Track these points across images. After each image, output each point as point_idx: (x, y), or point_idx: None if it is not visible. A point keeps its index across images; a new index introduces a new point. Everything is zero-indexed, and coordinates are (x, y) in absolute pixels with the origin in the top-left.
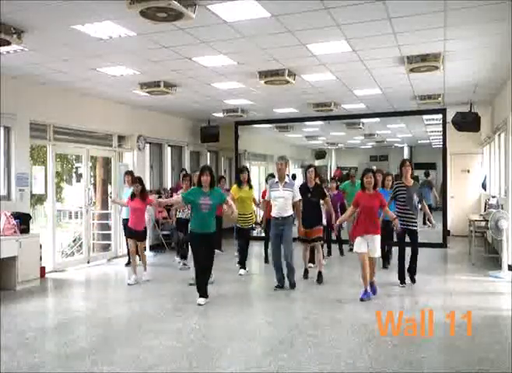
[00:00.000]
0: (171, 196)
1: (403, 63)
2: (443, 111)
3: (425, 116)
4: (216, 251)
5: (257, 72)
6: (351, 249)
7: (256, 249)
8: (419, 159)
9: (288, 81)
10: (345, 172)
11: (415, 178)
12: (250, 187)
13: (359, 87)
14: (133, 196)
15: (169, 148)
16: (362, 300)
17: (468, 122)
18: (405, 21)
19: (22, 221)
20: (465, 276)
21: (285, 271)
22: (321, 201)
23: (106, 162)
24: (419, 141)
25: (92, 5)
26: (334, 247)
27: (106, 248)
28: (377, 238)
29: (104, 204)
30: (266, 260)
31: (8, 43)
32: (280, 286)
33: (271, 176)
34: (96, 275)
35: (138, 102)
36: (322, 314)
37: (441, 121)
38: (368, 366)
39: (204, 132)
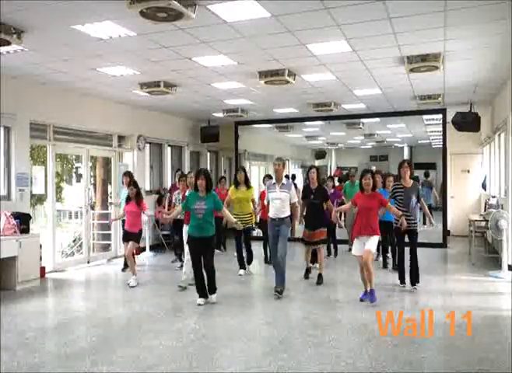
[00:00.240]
0: (170, 196)
1: (403, 63)
2: (443, 111)
3: (425, 116)
4: (216, 251)
5: (257, 72)
6: (350, 250)
7: (256, 249)
8: (419, 159)
9: (288, 81)
10: (345, 172)
11: (415, 178)
12: (249, 187)
13: (359, 87)
14: (128, 199)
15: (169, 148)
16: (362, 300)
17: (468, 122)
18: (405, 21)
19: (22, 221)
20: (465, 276)
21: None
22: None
23: (106, 162)
24: (419, 141)
25: (92, 5)
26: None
27: (106, 248)
28: (374, 238)
29: (104, 204)
30: (266, 260)
31: (8, 43)
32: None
33: (269, 176)
34: (96, 275)
35: (138, 102)
36: (322, 314)
37: (441, 121)
38: (368, 366)
39: (204, 132)
